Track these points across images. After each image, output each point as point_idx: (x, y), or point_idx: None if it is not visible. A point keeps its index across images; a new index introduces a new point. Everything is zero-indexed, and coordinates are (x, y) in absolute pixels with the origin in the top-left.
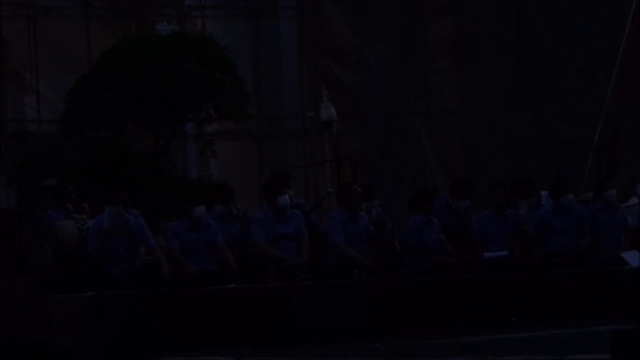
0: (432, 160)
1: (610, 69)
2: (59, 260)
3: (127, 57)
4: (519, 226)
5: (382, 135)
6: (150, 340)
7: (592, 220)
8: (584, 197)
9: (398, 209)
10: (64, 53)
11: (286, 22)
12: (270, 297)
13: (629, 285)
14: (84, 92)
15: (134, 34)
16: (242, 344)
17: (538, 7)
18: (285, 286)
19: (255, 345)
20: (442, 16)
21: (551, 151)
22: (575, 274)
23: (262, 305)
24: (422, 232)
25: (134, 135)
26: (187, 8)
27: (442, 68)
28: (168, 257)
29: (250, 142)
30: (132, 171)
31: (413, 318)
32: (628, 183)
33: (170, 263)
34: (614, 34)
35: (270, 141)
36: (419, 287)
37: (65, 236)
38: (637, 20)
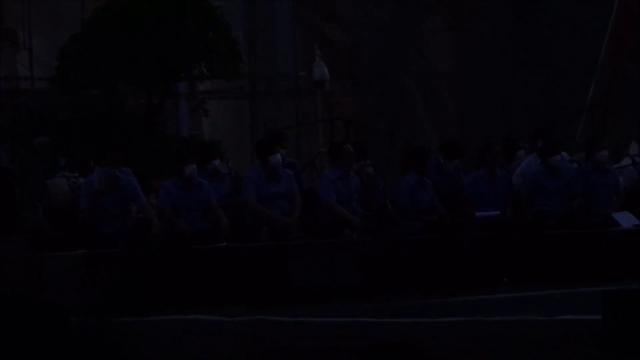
0: (425, 121)
1: (603, 30)
2: (50, 218)
3: (120, 15)
4: (511, 187)
5: (375, 95)
6: (141, 298)
7: (584, 181)
8: (576, 158)
9: (390, 169)
10: (57, 10)
11: None
12: (263, 255)
13: (620, 247)
14: (77, 50)
15: None
16: (233, 302)
17: None
18: (277, 245)
19: (247, 303)
20: None
21: (544, 112)
22: (566, 235)
23: (255, 264)
24: (414, 192)
25: (126, 93)
26: None
27: (436, 29)
28: (160, 216)
29: (243, 101)
30: (125, 129)
31: (405, 278)
32: (620, 144)
33: (162, 222)
34: None
35: (263, 100)
36: (411, 247)
37: (57, 194)
38: None
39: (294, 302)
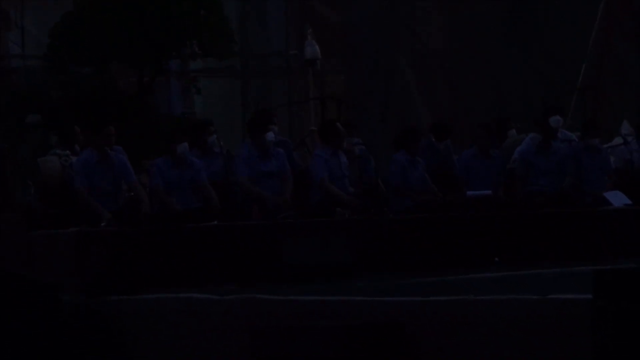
0: (417, 99)
1: (595, 11)
2: (42, 197)
3: None
4: (504, 166)
5: (367, 74)
6: (133, 276)
7: (575, 160)
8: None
9: (382, 148)
10: None
11: None
12: (254, 234)
13: (611, 226)
14: (69, 29)
15: None
16: (225, 280)
17: None
18: (269, 223)
19: (239, 281)
20: None
21: (536, 92)
22: (558, 214)
23: (246, 243)
24: (406, 171)
25: (118, 71)
26: None
27: (429, 7)
28: (151, 195)
29: (235, 79)
30: (116, 108)
31: (396, 257)
32: (612, 123)
33: (153, 200)
34: None
35: (255, 79)
36: (402, 226)
37: (49, 172)
38: None
39: (285, 280)
